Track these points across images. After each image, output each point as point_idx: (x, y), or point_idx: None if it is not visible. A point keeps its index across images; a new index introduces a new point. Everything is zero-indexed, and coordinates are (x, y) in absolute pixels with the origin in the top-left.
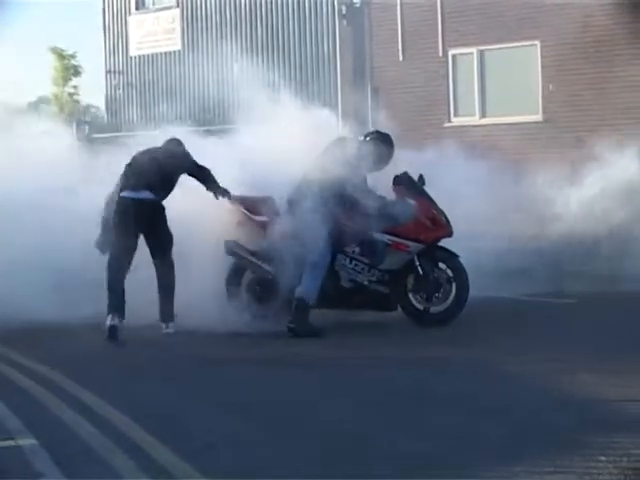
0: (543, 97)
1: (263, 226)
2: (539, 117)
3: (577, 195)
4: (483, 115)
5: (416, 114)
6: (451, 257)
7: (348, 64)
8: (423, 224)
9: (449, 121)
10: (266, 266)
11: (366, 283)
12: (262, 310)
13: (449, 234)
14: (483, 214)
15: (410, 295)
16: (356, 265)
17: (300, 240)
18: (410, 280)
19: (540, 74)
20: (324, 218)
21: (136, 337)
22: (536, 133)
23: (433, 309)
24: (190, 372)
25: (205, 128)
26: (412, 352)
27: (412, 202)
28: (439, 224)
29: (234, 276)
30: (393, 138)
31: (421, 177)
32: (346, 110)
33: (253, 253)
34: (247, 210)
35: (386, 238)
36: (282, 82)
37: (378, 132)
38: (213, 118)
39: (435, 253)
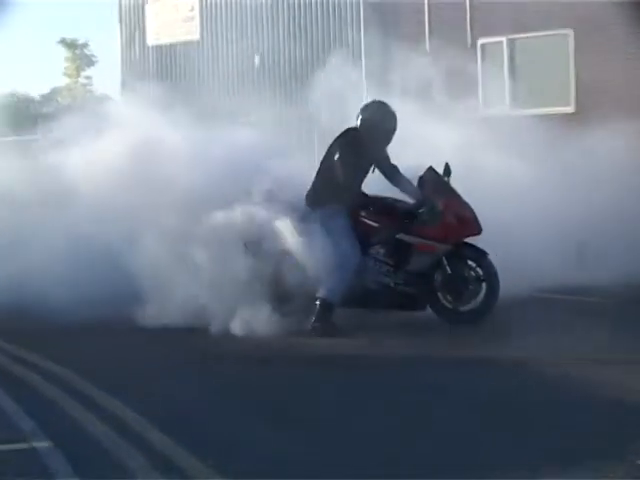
0: (576, 88)
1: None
2: (571, 109)
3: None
4: (513, 106)
5: (444, 106)
6: (480, 255)
7: (374, 53)
8: (450, 224)
9: (478, 112)
10: (289, 265)
11: (392, 285)
12: (285, 309)
13: (477, 232)
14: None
15: (439, 294)
16: (381, 267)
17: (323, 240)
18: (438, 279)
19: (572, 64)
20: (347, 217)
21: (161, 335)
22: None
23: (463, 308)
24: (210, 371)
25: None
26: (452, 352)
27: (439, 203)
28: (467, 222)
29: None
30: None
31: (447, 167)
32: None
33: (274, 253)
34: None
35: (412, 239)
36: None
37: (369, 104)
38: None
39: (463, 251)
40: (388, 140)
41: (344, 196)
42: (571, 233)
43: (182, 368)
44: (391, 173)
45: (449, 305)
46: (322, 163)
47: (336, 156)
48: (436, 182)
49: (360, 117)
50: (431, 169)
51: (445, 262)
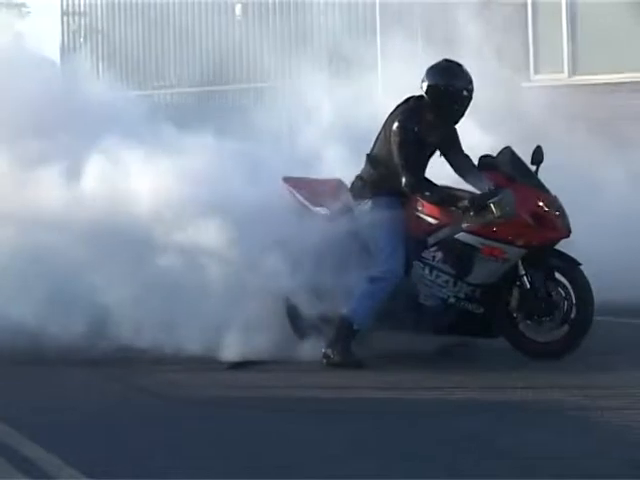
0: None
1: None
2: None
3: None
4: (573, 72)
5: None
6: (569, 266)
7: None
8: (523, 222)
9: (529, 80)
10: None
11: (452, 300)
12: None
13: (563, 235)
14: None
15: (515, 316)
16: (437, 276)
17: (361, 243)
18: (514, 296)
19: None
20: (398, 213)
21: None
22: None
23: (545, 336)
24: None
25: (200, 89)
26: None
27: (513, 193)
28: (548, 222)
29: None
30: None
31: (538, 151)
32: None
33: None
34: (304, 198)
35: (474, 241)
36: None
37: (437, 65)
38: (210, 77)
39: (548, 260)
40: (461, 112)
41: (397, 183)
42: None
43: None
44: (460, 161)
45: (528, 332)
46: (375, 143)
47: (394, 130)
48: (513, 167)
49: (425, 82)
50: (509, 149)
51: (523, 273)
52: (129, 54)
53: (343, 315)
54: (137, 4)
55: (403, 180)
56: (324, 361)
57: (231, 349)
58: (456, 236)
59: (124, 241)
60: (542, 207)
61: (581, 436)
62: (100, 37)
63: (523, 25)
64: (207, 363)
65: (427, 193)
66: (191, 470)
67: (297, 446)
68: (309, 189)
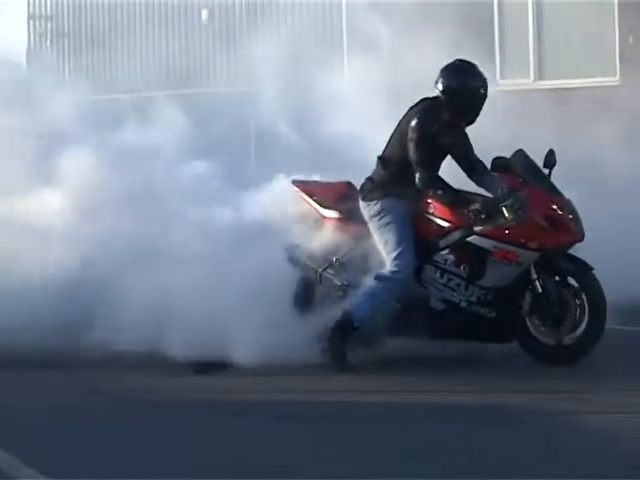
0: (621, 54)
1: (334, 224)
2: (615, 80)
3: None
4: (539, 77)
5: None
6: (583, 270)
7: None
8: (536, 225)
9: (495, 85)
10: (338, 279)
11: (464, 304)
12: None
13: (577, 239)
14: None
15: (528, 321)
16: (449, 280)
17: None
18: (526, 300)
19: (617, 24)
20: (407, 216)
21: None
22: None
23: (558, 341)
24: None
25: (167, 92)
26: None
27: (525, 195)
28: (562, 226)
29: (303, 292)
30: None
31: (551, 155)
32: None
33: (322, 261)
34: (314, 201)
35: (487, 243)
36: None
37: (452, 64)
38: (177, 80)
39: (561, 264)
40: (477, 111)
41: (410, 184)
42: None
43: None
44: (473, 164)
45: (541, 337)
46: (387, 145)
47: (412, 126)
48: (527, 169)
49: (441, 82)
50: (522, 152)
51: (535, 277)
52: (95, 57)
53: (345, 310)
54: (103, 7)
55: (417, 177)
56: (321, 352)
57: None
58: (468, 239)
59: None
60: (556, 210)
61: (570, 438)
62: (67, 40)
63: (489, 31)
64: (181, 367)
65: (440, 192)
66: (150, 471)
67: (285, 449)
68: (319, 192)
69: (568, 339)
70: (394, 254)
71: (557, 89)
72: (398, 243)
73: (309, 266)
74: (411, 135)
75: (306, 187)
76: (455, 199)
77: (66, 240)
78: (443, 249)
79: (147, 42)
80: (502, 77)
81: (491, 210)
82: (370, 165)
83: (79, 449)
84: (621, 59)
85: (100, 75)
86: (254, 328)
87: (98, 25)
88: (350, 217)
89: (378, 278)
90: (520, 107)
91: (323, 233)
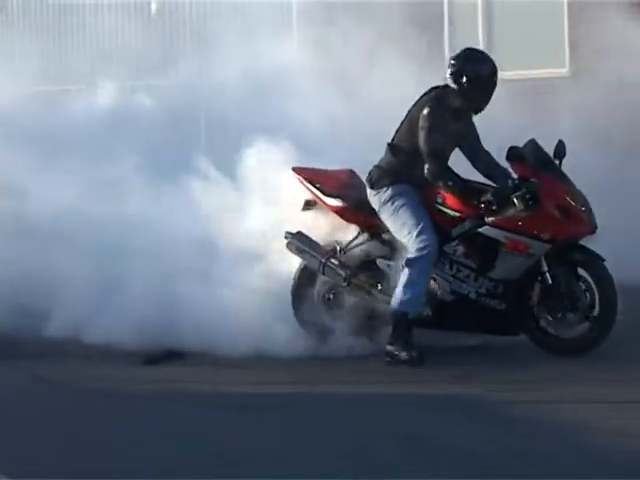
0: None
1: (338, 213)
2: (565, 71)
3: None
4: None
5: (404, 70)
6: (593, 261)
7: None
8: (550, 215)
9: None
10: (341, 269)
11: (473, 296)
12: (336, 326)
13: (590, 231)
14: None
15: (537, 313)
16: (458, 271)
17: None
18: (535, 292)
19: (566, 16)
20: (419, 200)
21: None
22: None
23: (568, 333)
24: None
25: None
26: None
27: (538, 186)
28: (574, 217)
29: (303, 282)
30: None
31: (561, 146)
32: None
33: (325, 250)
34: (318, 189)
35: (498, 234)
36: None
37: (463, 53)
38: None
39: (571, 256)
40: (489, 98)
41: (419, 172)
42: None
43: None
44: (482, 155)
45: (550, 329)
46: (396, 132)
47: (424, 115)
48: (538, 159)
49: (453, 70)
50: (533, 141)
51: (546, 269)
52: (44, 51)
53: (394, 310)
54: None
55: (427, 167)
56: (387, 359)
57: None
58: (479, 229)
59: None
60: (569, 201)
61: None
62: (15, 33)
63: (439, 23)
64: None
65: (450, 183)
66: (103, 464)
67: (236, 439)
68: (321, 179)
69: (578, 331)
70: (416, 231)
71: (507, 80)
72: (417, 221)
73: (311, 255)
74: (422, 124)
75: (308, 174)
76: (465, 190)
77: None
78: (453, 239)
79: (97, 33)
80: None
81: (502, 201)
82: (320, 152)
83: (31, 442)
84: (571, 50)
85: (49, 68)
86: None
87: (48, 19)
88: (355, 206)
89: (409, 264)
90: None
91: (327, 221)
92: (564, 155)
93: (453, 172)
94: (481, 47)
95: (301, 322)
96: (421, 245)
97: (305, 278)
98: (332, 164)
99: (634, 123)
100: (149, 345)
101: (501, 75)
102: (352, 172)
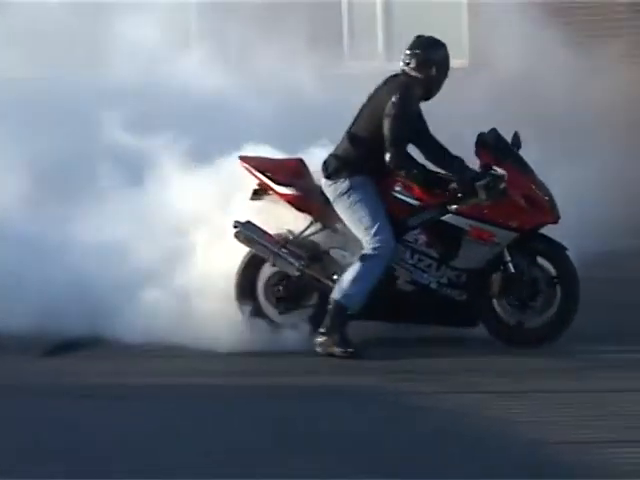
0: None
1: (291, 202)
2: (464, 62)
3: None
4: (388, 59)
5: (299, 53)
6: (555, 250)
7: None
8: (517, 204)
9: (343, 67)
10: (293, 259)
11: (434, 286)
12: (285, 319)
13: (554, 220)
14: None
15: (496, 303)
16: (420, 260)
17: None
18: (496, 281)
19: (466, 5)
20: (376, 193)
21: None
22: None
23: (528, 323)
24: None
25: None
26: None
27: (501, 172)
28: (539, 205)
29: (248, 272)
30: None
31: (516, 136)
32: None
33: (275, 240)
34: (268, 177)
35: (463, 222)
36: None
37: (424, 42)
38: None
39: (533, 244)
40: (440, 87)
41: (378, 161)
42: None
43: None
44: (434, 145)
45: (510, 319)
46: (355, 121)
47: (393, 102)
48: (500, 148)
49: (414, 57)
50: (495, 131)
51: (508, 258)
52: None
53: (336, 301)
54: None
55: (388, 155)
56: (319, 349)
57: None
58: (443, 218)
59: None
60: (534, 190)
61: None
62: None
63: (337, 12)
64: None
65: (415, 171)
66: None
67: (122, 429)
68: (271, 168)
69: (538, 322)
70: (373, 230)
71: None
72: (374, 218)
73: (262, 245)
74: (389, 111)
75: (257, 163)
76: (428, 178)
77: None
78: (413, 228)
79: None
80: (351, 58)
81: (468, 189)
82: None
83: None
84: (470, 42)
85: None
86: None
87: None
88: (308, 194)
89: (363, 259)
90: (370, 89)
91: (278, 211)
92: (520, 146)
93: (415, 160)
94: (380, 39)
95: (246, 314)
96: (377, 245)
97: (251, 269)
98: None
99: (529, 112)
100: (48, 336)
101: (398, 67)
102: (301, 161)
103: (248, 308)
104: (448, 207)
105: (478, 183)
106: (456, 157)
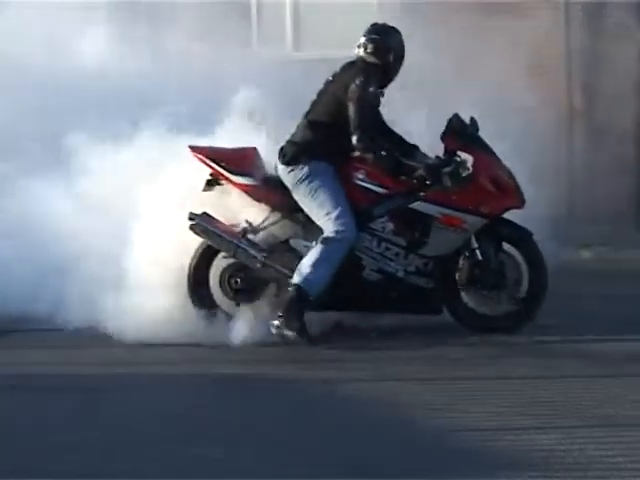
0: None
1: (248, 192)
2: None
3: None
4: (297, 47)
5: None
6: (522, 235)
7: None
8: (485, 189)
9: (252, 53)
10: (254, 251)
11: (401, 275)
12: (239, 311)
13: (520, 204)
14: None
15: (461, 290)
16: (387, 249)
17: (302, 212)
18: (464, 268)
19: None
20: (336, 179)
21: None
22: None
23: (495, 310)
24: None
25: None
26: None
27: (465, 158)
28: (506, 190)
29: (201, 265)
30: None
31: (473, 121)
32: None
33: (234, 232)
34: (223, 167)
35: (432, 209)
36: None
37: (380, 29)
38: None
39: (498, 230)
40: (396, 75)
41: (338, 147)
42: None
43: None
44: (388, 130)
45: (476, 306)
46: (312, 106)
47: (357, 85)
48: (467, 134)
49: (375, 46)
50: (458, 116)
51: (476, 245)
52: None
53: (297, 285)
54: None
55: (355, 138)
56: (274, 332)
57: None
58: (411, 205)
59: None
60: (501, 174)
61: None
62: None
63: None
64: None
65: (383, 153)
66: None
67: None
68: (225, 158)
69: (505, 308)
70: (334, 214)
71: (315, 60)
72: (335, 202)
73: (221, 237)
74: (353, 95)
75: (210, 153)
76: (397, 163)
77: None
78: (379, 216)
79: None
80: (259, 45)
81: (435, 175)
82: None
83: None
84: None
85: None
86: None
87: None
88: (265, 183)
89: (325, 242)
90: (279, 76)
91: (234, 201)
92: (477, 128)
93: (383, 144)
94: (288, 28)
95: (200, 307)
96: (338, 228)
97: (204, 261)
98: None
99: None
100: None
101: (306, 55)
102: (256, 149)
103: (202, 300)
104: (417, 194)
105: (444, 170)
106: (413, 145)
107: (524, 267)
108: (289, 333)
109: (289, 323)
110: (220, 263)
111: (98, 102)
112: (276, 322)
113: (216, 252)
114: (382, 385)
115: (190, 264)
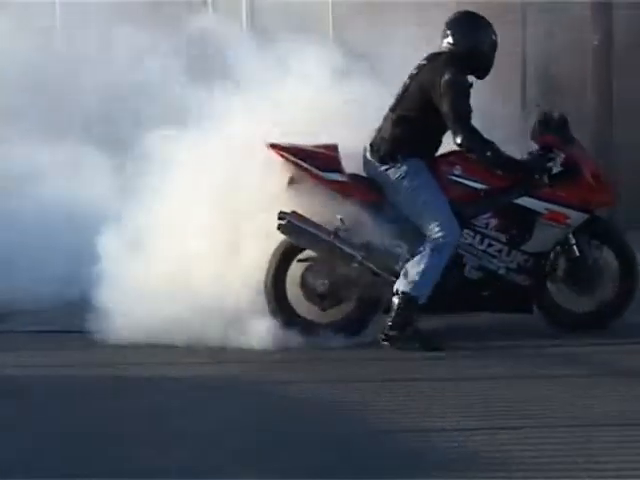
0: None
1: (337, 189)
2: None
3: None
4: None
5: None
6: (613, 232)
7: None
8: (589, 185)
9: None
10: (352, 249)
11: (502, 272)
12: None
13: (615, 200)
14: None
15: (551, 287)
16: (490, 245)
17: (401, 211)
18: (560, 264)
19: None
20: (433, 177)
21: None
22: None
23: (583, 308)
24: None
25: None
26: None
27: (560, 154)
28: (605, 186)
29: (281, 269)
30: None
31: (563, 120)
32: None
33: (328, 230)
34: (309, 164)
35: (541, 205)
36: None
37: (457, 21)
38: None
39: (592, 226)
40: (490, 65)
41: (429, 144)
42: None
43: None
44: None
45: (564, 303)
46: (398, 101)
47: (447, 81)
48: (560, 129)
49: (455, 34)
50: (547, 112)
51: (573, 241)
52: None
53: (405, 292)
54: None
55: (460, 137)
56: (384, 343)
57: None
58: (516, 201)
59: None
60: (597, 170)
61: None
62: None
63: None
64: None
65: (488, 153)
66: None
67: None
68: (310, 155)
69: (598, 304)
70: (439, 216)
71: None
72: (438, 204)
73: (316, 236)
74: (445, 90)
75: (294, 150)
76: (504, 160)
77: None
78: (482, 213)
79: None
80: None
81: (542, 171)
82: None
83: None
84: (333, 13)
85: None
86: None
87: None
88: (354, 181)
89: (431, 248)
90: None
91: (324, 199)
92: (567, 125)
93: (485, 138)
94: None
95: (279, 315)
96: (444, 233)
97: (283, 265)
98: None
99: None
100: None
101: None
102: (337, 146)
103: (283, 311)
104: (521, 190)
105: (549, 164)
106: (490, 141)
107: (615, 264)
108: (403, 343)
109: (402, 333)
110: (295, 271)
111: None
112: (387, 334)
113: (291, 260)
114: (319, 388)
115: (267, 277)
